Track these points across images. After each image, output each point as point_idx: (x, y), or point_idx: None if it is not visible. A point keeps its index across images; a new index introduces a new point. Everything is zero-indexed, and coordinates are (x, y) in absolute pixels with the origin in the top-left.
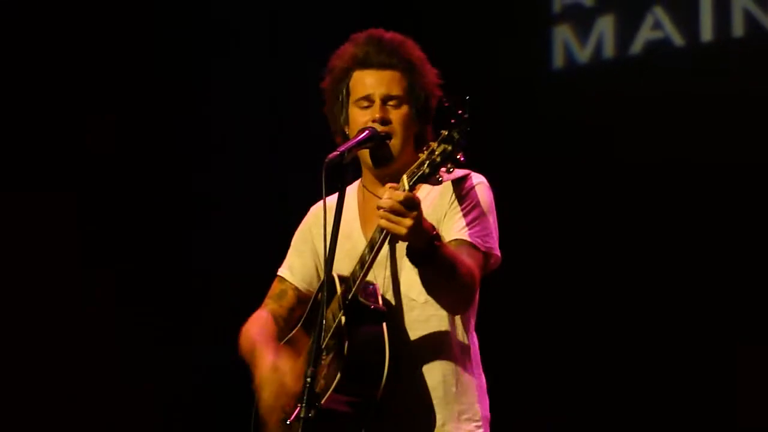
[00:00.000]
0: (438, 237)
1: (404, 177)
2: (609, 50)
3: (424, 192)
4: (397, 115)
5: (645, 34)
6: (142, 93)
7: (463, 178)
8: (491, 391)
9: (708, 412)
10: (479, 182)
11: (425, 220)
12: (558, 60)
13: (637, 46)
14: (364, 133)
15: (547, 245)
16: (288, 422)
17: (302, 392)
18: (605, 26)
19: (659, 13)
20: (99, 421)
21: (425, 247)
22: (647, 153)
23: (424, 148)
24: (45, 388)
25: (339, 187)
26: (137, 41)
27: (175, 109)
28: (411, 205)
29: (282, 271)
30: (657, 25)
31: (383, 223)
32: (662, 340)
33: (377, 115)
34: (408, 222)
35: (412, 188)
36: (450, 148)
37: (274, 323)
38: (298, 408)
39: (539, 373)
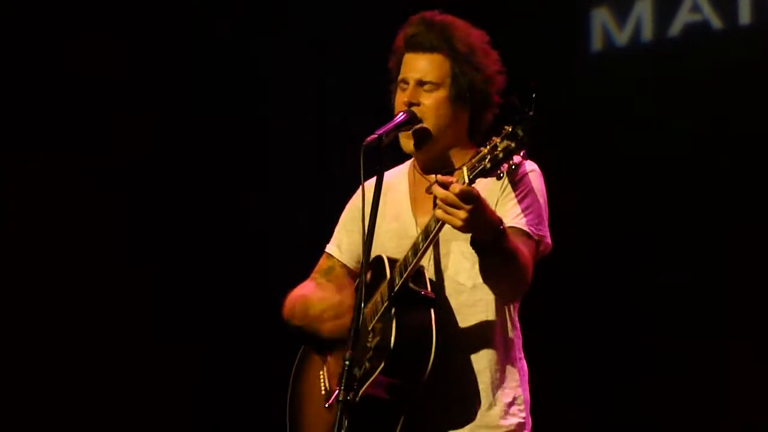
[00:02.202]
0: (504, 231)
1: (464, 169)
2: (647, 33)
3: None
4: (429, 98)
5: (683, 17)
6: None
7: (517, 165)
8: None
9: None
10: (532, 170)
11: (493, 212)
12: (596, 43)
13: (675, 28)
14: (401, 116)
15: (582, 226)
16: (327, 405)
17: (341, 375)
18: (643, 9)
19: None
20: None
21: (491, 239)
22: (685, 136)
23: (487, 143)
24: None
25: (377, 171)
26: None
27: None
28: (468, 197)
29: (330, 248)
30: (695, 8)
31: (439, 213)
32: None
33: (405, 99)
34: (463, 214)
35: (471, 182)
36: (513, 145)
37: (321, 293)
38: (337, 390)
39: (571, 358)
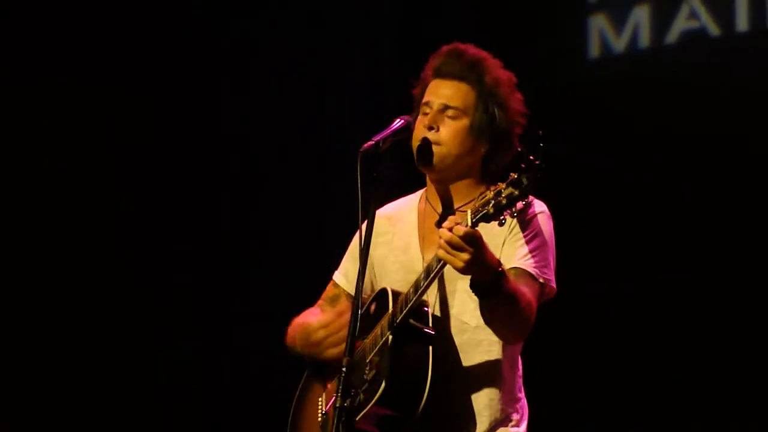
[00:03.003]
0: (502, 271)
1: (468, 212)
2: (645, 40)
3: None
4: (450, 125)
5: (681, 24)
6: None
7: (526, 205)
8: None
9: None
10: (541, 211)
11: (492, 255)
12: (594, 49)
13: (672, 35)
14: (399, 123)
15: (579, 234)
16: (324, 413)
17: (337, 382)
18: (641, 16)
19: (695, 2)
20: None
21: (489, 282)
22: (683, 142)
23: (492, 188)
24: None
25: (374, 178)
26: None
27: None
28: (471, 241)
29: (337, 277)
30: (693, 15)
31: (441, 254)
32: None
33: (426, 122)
34: (466, 257)
35: (474, 225)
36: (517, 192)
37: (322, 317)
38: (334, 397)
39: (571, 392)
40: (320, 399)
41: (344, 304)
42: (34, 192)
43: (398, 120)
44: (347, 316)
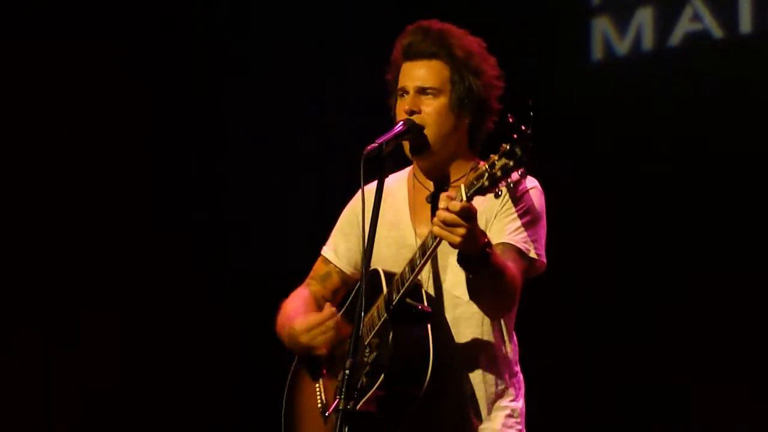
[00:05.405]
0: (489, 245)
1: (462, 187)
2: (648, 42)
3: None
4: (430, 106)
5: (684, 26)
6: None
7: (516, 183)
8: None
9: None
10: (533, 186)
11: (478, 227)
12: (597, 52)
13: (675, 38)
14: (400, 125)
15: (580, 234)
16: (326, 414)
17: (341, 384)
18: (644, 18)
19: (698, 5)
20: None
21: (477, 255)
22: (686, 145)
23: (486, 161)
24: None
25: (378, 180)
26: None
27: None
28: (467, 216)
29: (327, 252)
30: (696, 17)
31: (437, 230)
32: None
33: (406, 107)
34: (462, 231)
35: (469, 199)
36: (511, 163)
37: (315, 303)
38: (337, 400)
39: (568, 368)
40: (317, 385)
41: (335, 282)
42: (31, 182)
43: (400, 123)
44: (332, 320)
